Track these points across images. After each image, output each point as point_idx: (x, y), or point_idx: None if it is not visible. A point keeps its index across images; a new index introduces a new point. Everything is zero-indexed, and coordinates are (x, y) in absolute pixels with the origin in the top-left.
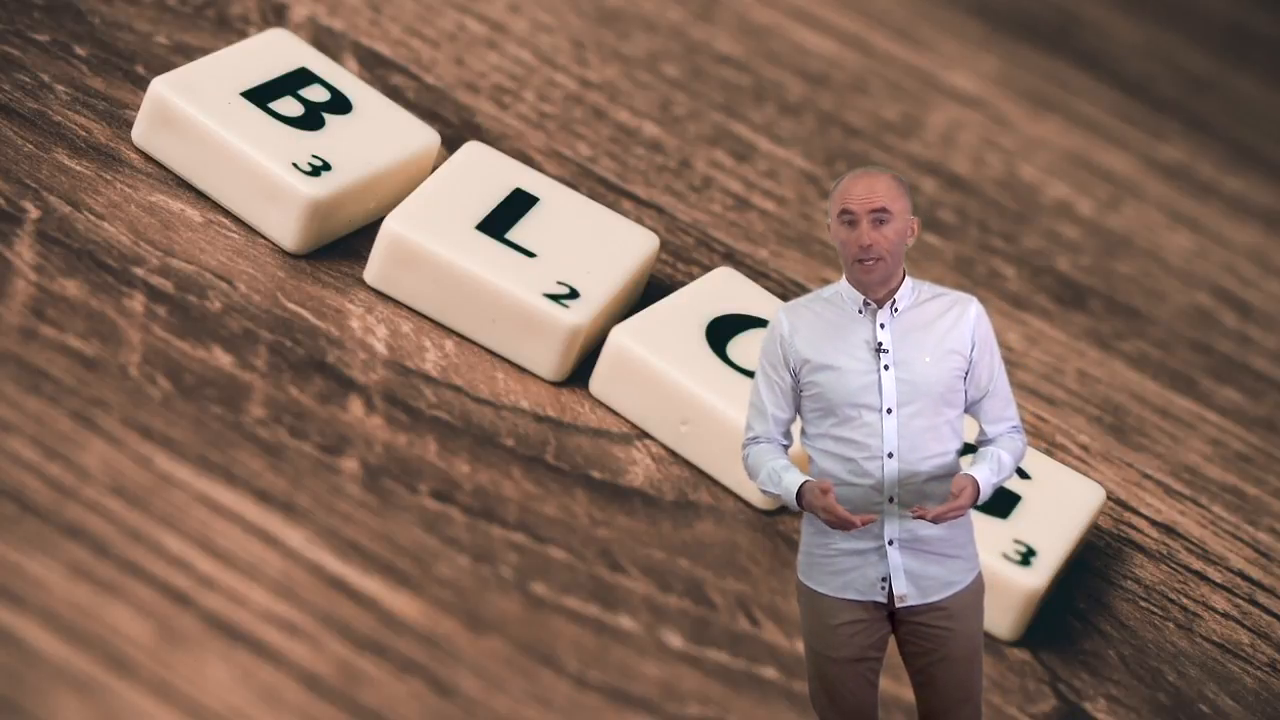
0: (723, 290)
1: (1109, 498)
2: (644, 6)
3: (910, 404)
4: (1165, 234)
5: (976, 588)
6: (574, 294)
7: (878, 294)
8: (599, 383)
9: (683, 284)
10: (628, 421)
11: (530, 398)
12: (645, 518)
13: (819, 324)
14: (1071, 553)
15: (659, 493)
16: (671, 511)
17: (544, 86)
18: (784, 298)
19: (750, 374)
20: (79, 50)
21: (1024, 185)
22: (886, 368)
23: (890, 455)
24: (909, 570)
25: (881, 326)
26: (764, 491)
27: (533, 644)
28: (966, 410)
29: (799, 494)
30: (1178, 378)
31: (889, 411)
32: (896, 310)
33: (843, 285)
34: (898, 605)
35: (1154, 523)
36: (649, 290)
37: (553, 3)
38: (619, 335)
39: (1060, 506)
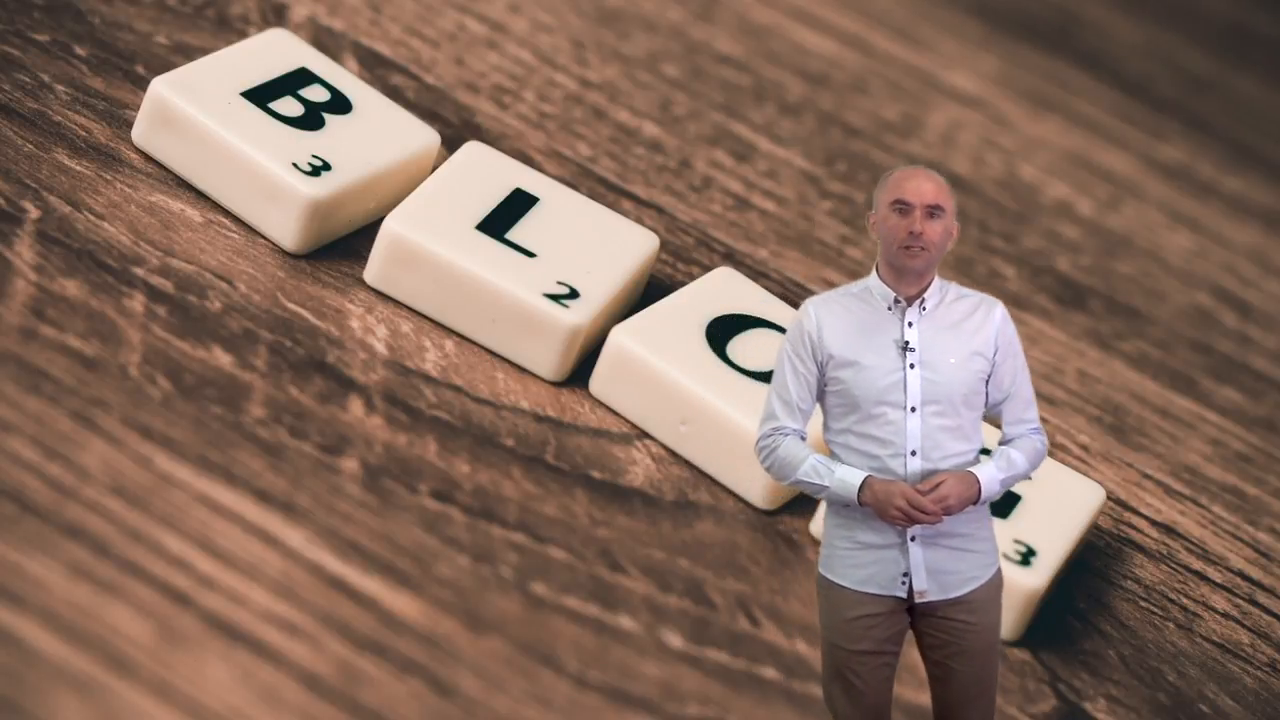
0: (723, 290)
1: (1109, 498)
2: (644, 6)
3: (933, 403)
4: (1165, 234)
5: (996, 582)
6: (574, 294)
7: (910, 290)
8: (599, 383)
9: (683, 284)
10: (628, 421)
11: (530, 398)
12: (645, 518)
13: (847, 319)
14: (1071, 553)
15: (659, 493)
16: (671, 511)
17: (544, 86)
18: (784, 298)
19: (750, 374)
20: (79, 50)
21: (1024, 185)
22: (912, 366)
23: (914, 453)
24: (930, 566)
25: (909, 325)
26: (797, 481)
27: (533, 644)
28: (988, 411)
29: (863, 486)
30: (1178, 378)
31: (913, 410)
32: (925, 309)
33: (872, 281)
34: (917, 600)
35: (1154, 523)
36: (649, 290)
37: (553, 3)
38: (619, 335)
39: (1060, 506)
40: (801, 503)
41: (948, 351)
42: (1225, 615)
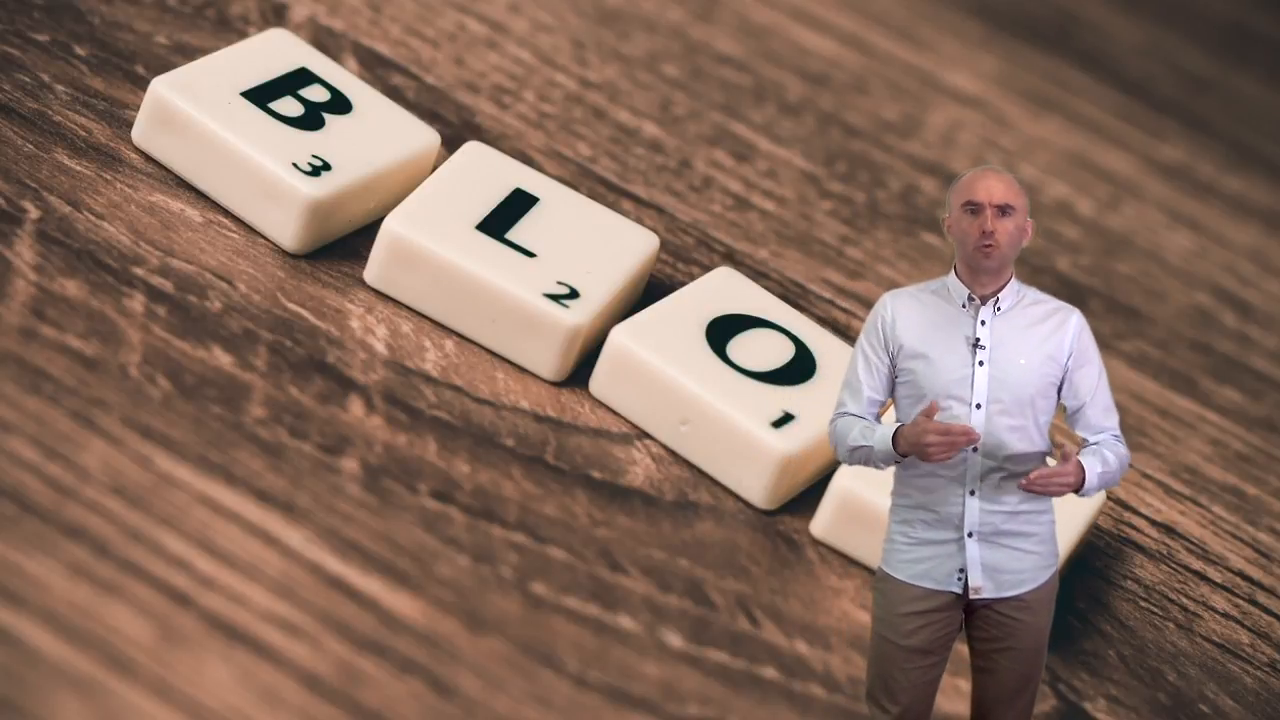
0: (723, 290)
1: (1109, 498)
2: (644, 6)
3: (999, 402)
4: (1165, 234)
5: (1052, 585)
6: (574, 294)
7: (985, 289)
8: (599, 383)
9: (683, 284)
10: (628, 421)
11: (530, 398)
12: (645, 518)
13: (922, 312)
14: (1071, 553)
15: (659, 493)
16: (671, 511)
17: (544, 86)
18: (784, 298)
19: (750, 374)
20: (79, 50)
21: (1024, 185)
22: (981, 363)
23: (974, 449)
24: (986, 563)
25: (982, 323)
26: (852, 452)
27: (533, 644)
28: (1068, 419)
29: (896, 435)
30: (1178, 378)
31: (978, 407)
32: (999, 309)
33: (950, 279)
34: (972, 597)
35: (1154, 523)
36: (649, 290)
37: (553, 3)
38: (619, 335)
39: (1060, 506)
40: (802, 503)
41: (1019, 352)
42: (1225, 615)
